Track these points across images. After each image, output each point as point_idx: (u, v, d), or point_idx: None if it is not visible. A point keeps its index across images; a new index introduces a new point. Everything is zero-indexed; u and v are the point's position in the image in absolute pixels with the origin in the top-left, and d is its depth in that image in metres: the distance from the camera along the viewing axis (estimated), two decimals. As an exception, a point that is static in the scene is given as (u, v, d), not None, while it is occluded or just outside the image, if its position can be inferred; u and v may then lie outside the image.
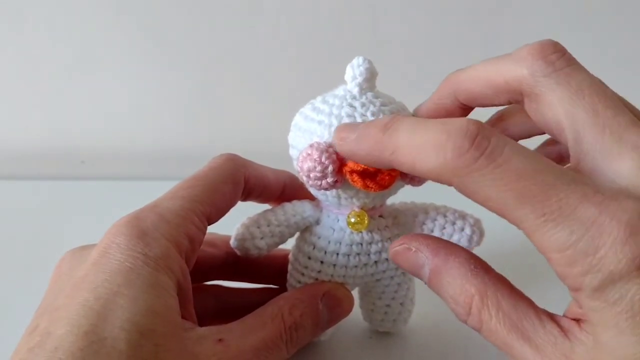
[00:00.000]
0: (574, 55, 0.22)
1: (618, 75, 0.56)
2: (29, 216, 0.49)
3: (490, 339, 0.21)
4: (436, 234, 0.29)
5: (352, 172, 0.24)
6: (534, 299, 0.41)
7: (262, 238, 0.28)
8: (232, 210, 0.29)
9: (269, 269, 0.33)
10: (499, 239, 0.42)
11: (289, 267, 0.30)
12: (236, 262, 0.31)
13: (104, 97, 0.56)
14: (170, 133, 0.58)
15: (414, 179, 0.26)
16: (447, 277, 0.23)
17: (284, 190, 0.31)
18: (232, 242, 0.29)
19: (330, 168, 0.24)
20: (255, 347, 0.24)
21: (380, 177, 0.24)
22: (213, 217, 0.27)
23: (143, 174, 0.56)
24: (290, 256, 0.30)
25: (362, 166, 0.24)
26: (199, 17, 0.52)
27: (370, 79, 0.26)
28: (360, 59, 0.26)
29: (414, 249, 0.24)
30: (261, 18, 0.52)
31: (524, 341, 0.21)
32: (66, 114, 0.57)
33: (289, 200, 0.30)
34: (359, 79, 0.26)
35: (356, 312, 0.33)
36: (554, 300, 0.41)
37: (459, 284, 0.22)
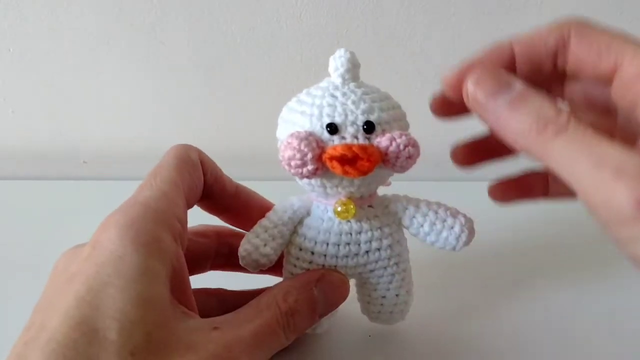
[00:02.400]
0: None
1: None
2: (30, 216, 0.49)
3: (575, 135, 0.20)
4: (425, 229, 0.29)
5: (331, 158, 0.25)
6: (527, 298, 0.41)
7: (265, 245, 0.29)
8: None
9: None
10: (491, 240, 0.42)
11: (284, 260, 0.30)
12: (230, 252, 0.32)
13: (105, 98, 0.56)
14: (171, 134, 0.58)
15: (395, 166, 0.26)
16: (537, 95, 0.22)
17: (237, 193, 0.31)
18: (240, 262, 0.29)
19: (309, 155, 0.25)
20: (252, 333, 0.24)
21: (359, 163, 0.25)
22: (190, 200, 0.28)
23: (144, 174, 0.56)
24: (284, 250, 0.30)
25: (341, 152, 0.25)
26: (199, 18, 0.52)
27: (351, 70, 0.27)
28: (342, 51, 0.27)
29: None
30: (262, 19, 0.52)
31: (611, 140, 0.20)
32: (67, 114, 0.57)
33: (245, 207, 0.31)
34: (341, 70, 0.27)
35: (354, 311, 0.33)
36: (549, 297, 0.40)
37: (549, 99, 0.22)
